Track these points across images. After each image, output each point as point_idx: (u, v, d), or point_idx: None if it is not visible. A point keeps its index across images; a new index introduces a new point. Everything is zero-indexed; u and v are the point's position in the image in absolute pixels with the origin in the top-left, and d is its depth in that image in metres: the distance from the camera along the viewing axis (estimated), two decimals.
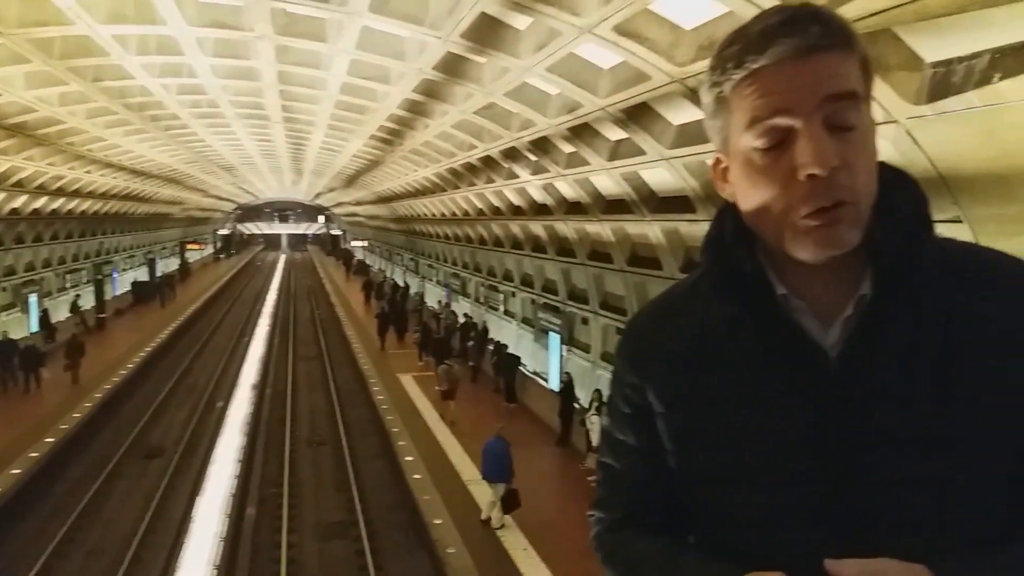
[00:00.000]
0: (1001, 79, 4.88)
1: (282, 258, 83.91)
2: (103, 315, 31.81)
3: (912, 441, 1.01)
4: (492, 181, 17.85)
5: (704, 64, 6.00)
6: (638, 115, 9.29)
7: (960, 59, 5.25)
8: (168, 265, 52.50)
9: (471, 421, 17.48)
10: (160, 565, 12.05)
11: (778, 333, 1.08)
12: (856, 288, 1.05)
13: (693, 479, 1.17)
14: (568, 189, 14.48)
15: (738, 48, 1.00)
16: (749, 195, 1.04)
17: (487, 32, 8.76)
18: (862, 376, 1.03)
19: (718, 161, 1.12)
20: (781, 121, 0.97)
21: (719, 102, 1.05)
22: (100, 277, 33.20)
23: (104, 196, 30.55)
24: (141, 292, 39.33)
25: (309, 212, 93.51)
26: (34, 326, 27.49)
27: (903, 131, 5.92)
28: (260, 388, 23.29)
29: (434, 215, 28.19)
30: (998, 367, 1.01)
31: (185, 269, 54.66)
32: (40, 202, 25.00)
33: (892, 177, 1.07)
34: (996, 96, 5.00)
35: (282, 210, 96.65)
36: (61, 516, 13.67)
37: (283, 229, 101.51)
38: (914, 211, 1.07)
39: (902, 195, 1.07)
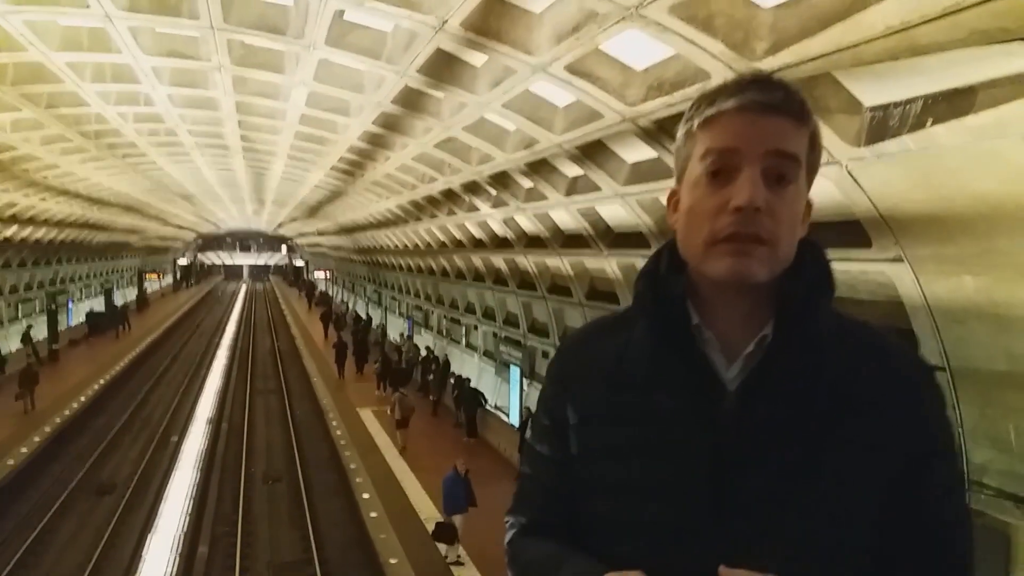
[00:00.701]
0: (934, 124, 5.04)
1: (243, 288, 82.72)
2: (56, 346, 31.04)
3: (792, 475, 1.12)
4: (453, 213, 17.89)
5: (654, 104, 6.17)
6: (593, 152, 9.40)
7: (896, 104, 5.41)
8: (126, 295, 51.52)
9: (431, 456, 17.30)
10: None
11: (686, 359, 1.20)
12: (760, 330, 1.18)
13: (594, 489, 1.26)
14: (528, 223, 14.56)
15: (714, 92, 1.17)
16: (687, 216, 1.19)
17: (444, 68, 8.83)
18: (752, 410, 1.15)
19: (673, 193, 1.27)
20: (729, 157, 1.13)
21: (688, 135, 1.21)
22: (54, 307, 32.39)
23: (60, 224, 29.93)
24: (96, 323, 38.46)
25: (271, 242, 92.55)
26: None
27: (844, 172, 6.07)
28: (216, 423, 22.75)
29: (397, 246, 28.14)
30: (872, 426, 1.14)
31: (143, 299, 53.67)
32: None
33: (808, 246, 1.22)
34: (930, 140, 5.16)
35: (244, 240, 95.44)
36: (5, 554, 13.16)
37: (244, 259, 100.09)
38: (819, 274, 1.21)
39: (811, 260, 1.21)
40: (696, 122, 1.18)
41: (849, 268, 7.31)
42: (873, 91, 5.56)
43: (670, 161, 7.99)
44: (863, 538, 1.13)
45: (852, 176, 6.07)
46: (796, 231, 1.16)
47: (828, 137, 5.93)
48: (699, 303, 1.22)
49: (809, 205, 1.21)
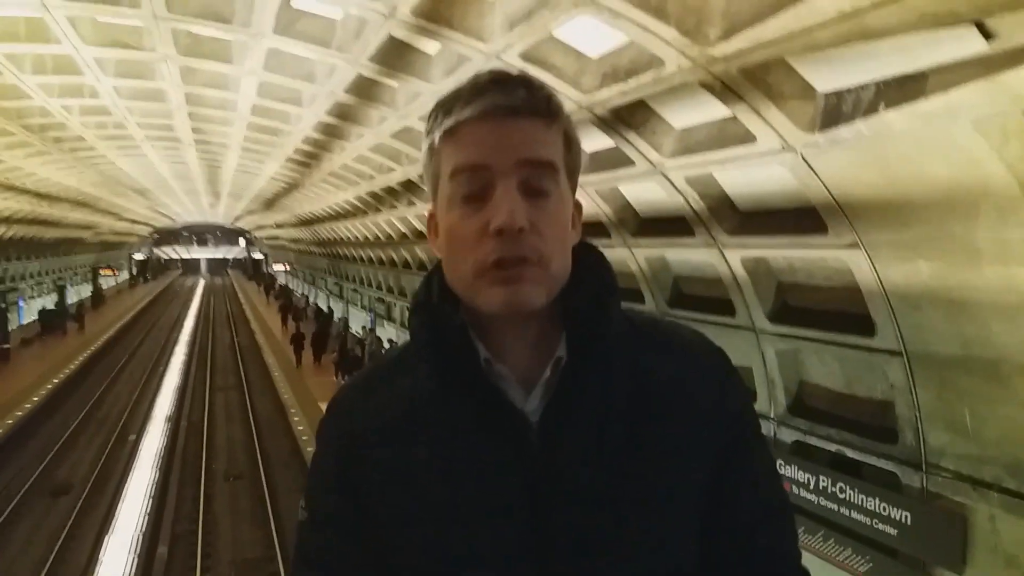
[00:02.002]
0: (886, 109, 5.03)
1: (201, 283, 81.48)
2: (7, 345, 30.18)
3: (606, 503, 1.04)
4: (413, 204, 17.69)
5: (609, 92, 6.08)
6: None
7: (849, 89, 5.39)
8: (80, 292, 50.34)
9: None
10: None
11: (481, 400, 1.07)
12: (554, 353, 1.08)
13: (402, 564, 1.09)
14: None
15: (451, 99, 1.04)
16: (448, 246, 1.06)
17: (396, 56, 8.66)
18: (560, 440, 1.05)
19: (432, 215, 1.13)
20: (479, 175, 1.01)
21: (431, 151, 1.08)
22: (4, 305, 31.49)
23: (7, 221, 29.10)
24: (49, 321, 37.52)
25: (229, 235, 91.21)
26: None
27: (799, 158, 6.05)
28: (175, 420, 22.40)
29: (357, 238, 27.83)
30: (679, 429, 1.08)
31: (98, 296, 52.51)
32: None
33: (583, 251, 1.13)
34: (883, 126, 5.14)
35: (201, 233, 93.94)
36: None
37: (202, 253, 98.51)
38: (601, 279, 1.12)
39: (591, 265, 1.13)
40: (436, 136, 1.05)
41: (806, 255, 7.34)
42: (826, 77, 5.54)
43: (628, 150, 7.96)
44: (689, 547, 1.09)
45: (807, 162, 6.05)
46: (567, 242, 1.07)
47: (782, 123, 5.91)
48: (483, 334, 1.09)
49: (578, 208, 1.13)
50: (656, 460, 1.06)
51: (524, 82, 1.03)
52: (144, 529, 14.20)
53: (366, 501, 1.12)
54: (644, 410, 1.07)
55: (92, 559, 13.00)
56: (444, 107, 1.04)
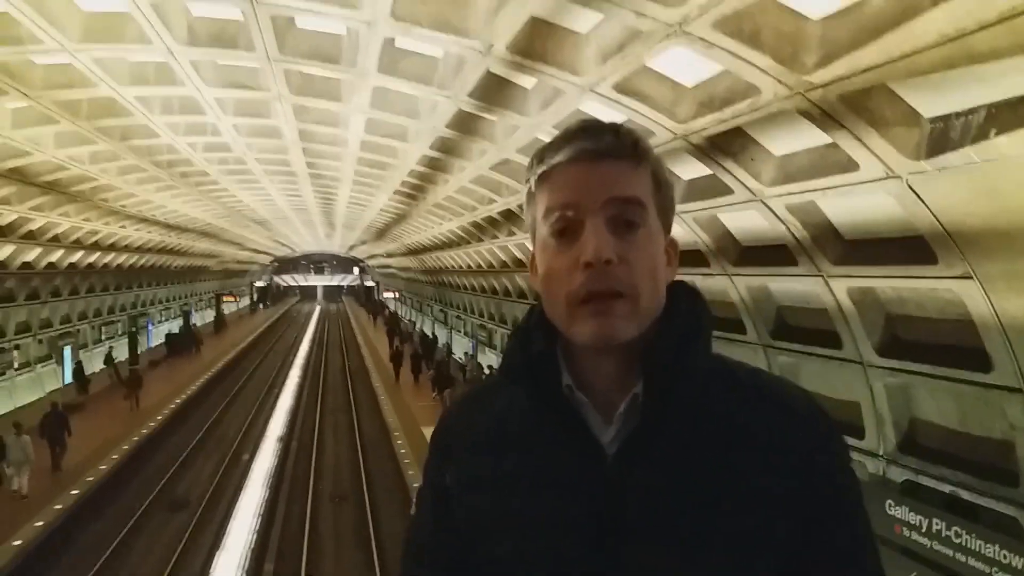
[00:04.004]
0: (998, 134, 4.78)
1: (317, 309, 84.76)
2: (136, 367, 32.16)
3: (673, 544, 1.05)
4: (513, 234, 17.92)
5: (705, 120, 6.01)
6: None
7: (957, 114, 5.15)
8: (204, 317, 53.23)
9: None
10: None
11: (561, 423, 1.14)
12: (635, 386, 1.11)
13: (477, 562, 1.19)
14: None
15: (545, 148, 1.14)
16: (543, 281, 1.13)
17: (494, 91, 8.85)
18: (632, 474, 1.08)
19: (533, 255, 1.20)
20: (569, 214, 1.08)
21: (529, 195, 1.17)
22: (134, 329, 33.66)
23: (139, 250, 31.19)
24: (174, 344, 39.85)
25: (344, 264, 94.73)
26: (68, 378, 27.90)
27: (905, 186, 5.81)
28: (287, 440, 23.30)
29: (460, 267, 28.34)
30: (762, 482, 1.06)
31: (220, 321, 55.37)
32: (76, 256, 25.60)
33: (680, 290, 1.17)
34: (994, 151, 4.89)
35: (318, 262, 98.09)
36: (82, 570, 13.61)
37: (318, 281, 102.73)
38: (691, 320, 1.14)
39: (684, 305, 1.15)
40: (533, 180, 1.15)
41: (916, 286, 7.01)
42: (932, 102, 5.31)
43: (725, 178, 7.84)
44: None
45: (913, 190, 5.80)
46: (659, 277, 1.10)
47: (886, 151, 5.69)
48: (571, 361, 1.16)
49: (673, 245, 1.17)
50: (731, 509, 1.04)
51: (612, 128, 1.11)
52: (252, 546, 14.75)
53: (454, 502, 1.23)
54: (726, 458, 1.06)
55: (204, 573, 13.57)
56: (538, 155, 1.14)
